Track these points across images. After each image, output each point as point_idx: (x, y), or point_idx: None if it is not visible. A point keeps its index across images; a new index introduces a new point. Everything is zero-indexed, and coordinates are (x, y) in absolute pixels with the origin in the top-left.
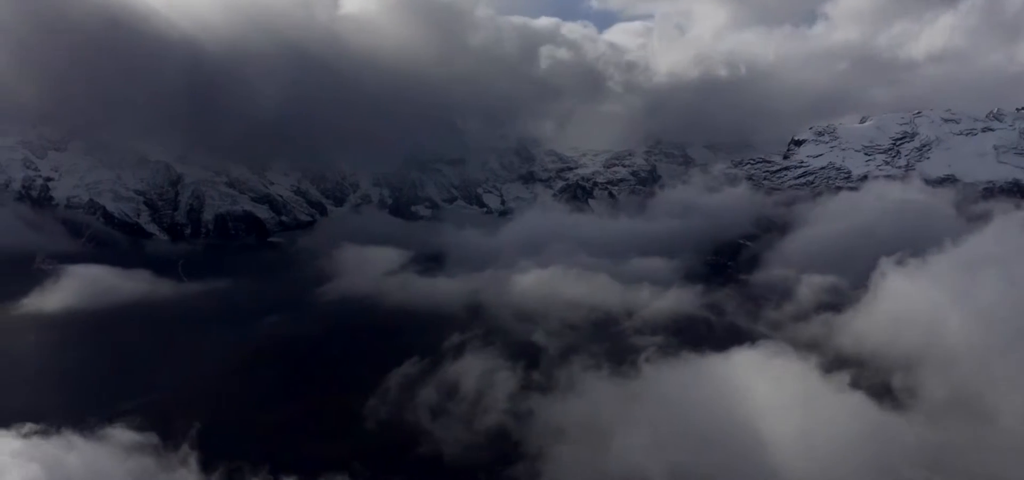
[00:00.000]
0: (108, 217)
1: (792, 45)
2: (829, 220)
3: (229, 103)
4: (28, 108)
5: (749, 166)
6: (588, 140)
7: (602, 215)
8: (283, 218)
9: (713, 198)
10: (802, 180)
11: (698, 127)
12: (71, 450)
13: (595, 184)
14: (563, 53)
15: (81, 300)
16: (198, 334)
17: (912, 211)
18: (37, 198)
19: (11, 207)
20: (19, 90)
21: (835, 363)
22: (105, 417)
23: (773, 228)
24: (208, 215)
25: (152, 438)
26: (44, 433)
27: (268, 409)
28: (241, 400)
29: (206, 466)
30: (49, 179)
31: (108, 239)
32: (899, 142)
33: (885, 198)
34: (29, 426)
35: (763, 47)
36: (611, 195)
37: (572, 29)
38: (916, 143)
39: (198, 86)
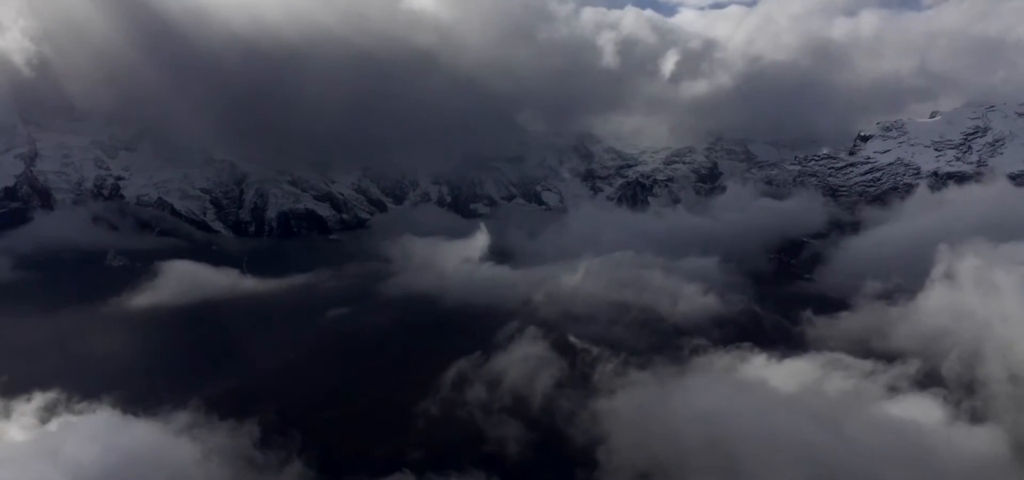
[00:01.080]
0: (176, 214)
1: (894, 27)
2: (903, 219)
3: (292, 103)
4: (100, 109)
5: (813, 162)
6: (649, 137)
7: (661, 212)
8: (344, 216)
9: (775, 195)
10: (869, 176)
11: (762, 123)
12: (145, 429)
13: (655, 181)
14: (633, 44)
15: (172, 296)
16: (279, 327)
17: (997, 213)
18: (108, 196)
19: (84, 205)
20: (92, 92)
21: (889, 360)
22: (179, 404)
23: (839, 227)
24: (271, 213)
25: (223, 428)
26: (126, 412)
27: (335, 401)
28: (316, 390)
29: (274, 457)
30: (120, 178)
31: (176, 236)
32: (970, 137)
33: (969, 199)
34: (117, 396)
35: (862, 31)
36: (671, 192)
37: (649, 18)
38: (988, 138)
39: (262, 88)
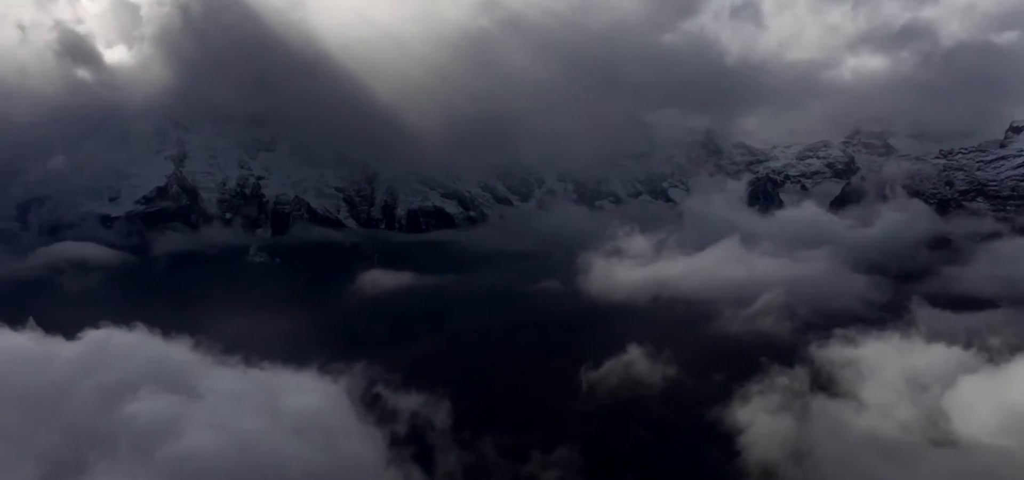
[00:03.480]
0: (312, 212)
1: None
2: None
3: (419, 104)
4: (242, 112)
5: (960, 156)
6: (781, 131)
7: (792, 208)
8: (470, 213)
9: (916, 190)
10: (1022, 170)
11: (904, 113)
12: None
13: (787, 177)
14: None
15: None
16: (439, 320)
17: None
18: (249, 195)
19: (228, 203)
20: (235, 97)
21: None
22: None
23: (997, 225)
24: (401, 210)
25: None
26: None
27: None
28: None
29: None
30: (260, 177)
31: (311, 233)
32: None
33: None
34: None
35: None
36: (803, 188)
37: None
38: None
39: (392, 88)
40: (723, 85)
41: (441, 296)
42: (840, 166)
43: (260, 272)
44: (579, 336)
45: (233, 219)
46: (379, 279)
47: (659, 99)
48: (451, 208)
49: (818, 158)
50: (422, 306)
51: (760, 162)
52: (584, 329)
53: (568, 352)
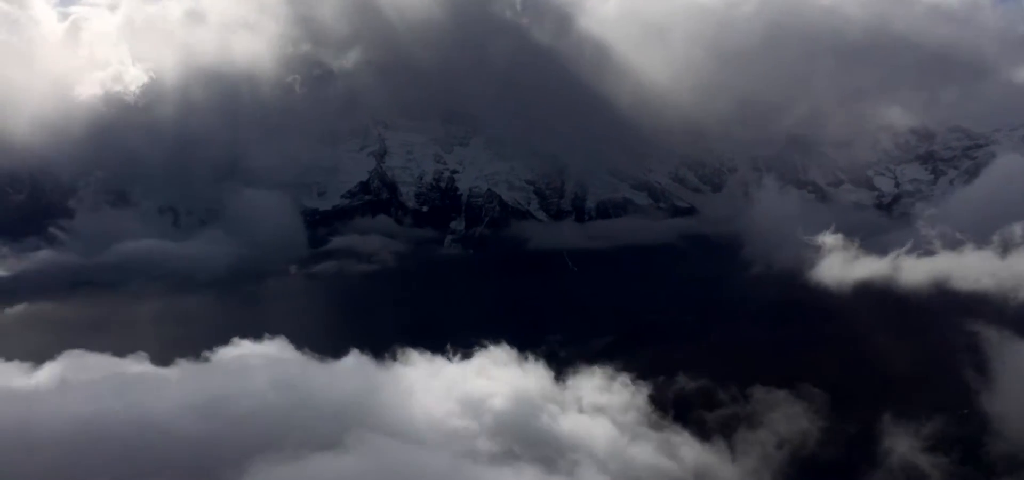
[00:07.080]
0: (503, 205)
1: None
2: None
3: (610, 96)
4: (438, 108)
5: None
6: (1001, 112)
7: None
8: (661, 205)
9: None
10: None
11: None
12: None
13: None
14: None
15: None
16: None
17: None
18: (445, 189)
19: (424, 197)
20: (431, 94)
21: None
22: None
23: None
24: (590, 203)
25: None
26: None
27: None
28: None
29: None
30: (454, 172)
31: (503, 225)
32: None
33: None
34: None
35: None
36: None
37: None
38: None
39: (582, 84)
40: (947, 59)
41: (647, 286)
42: None
43: (459, 264)
44: (797, 329)
45: (429, 212)
46: (578, 270)
47: (867, 77)
48: (641, 199)
49: None
50: (634, 295)
51: (979, 147)
52: (801, 322)
53: (790, 345)
